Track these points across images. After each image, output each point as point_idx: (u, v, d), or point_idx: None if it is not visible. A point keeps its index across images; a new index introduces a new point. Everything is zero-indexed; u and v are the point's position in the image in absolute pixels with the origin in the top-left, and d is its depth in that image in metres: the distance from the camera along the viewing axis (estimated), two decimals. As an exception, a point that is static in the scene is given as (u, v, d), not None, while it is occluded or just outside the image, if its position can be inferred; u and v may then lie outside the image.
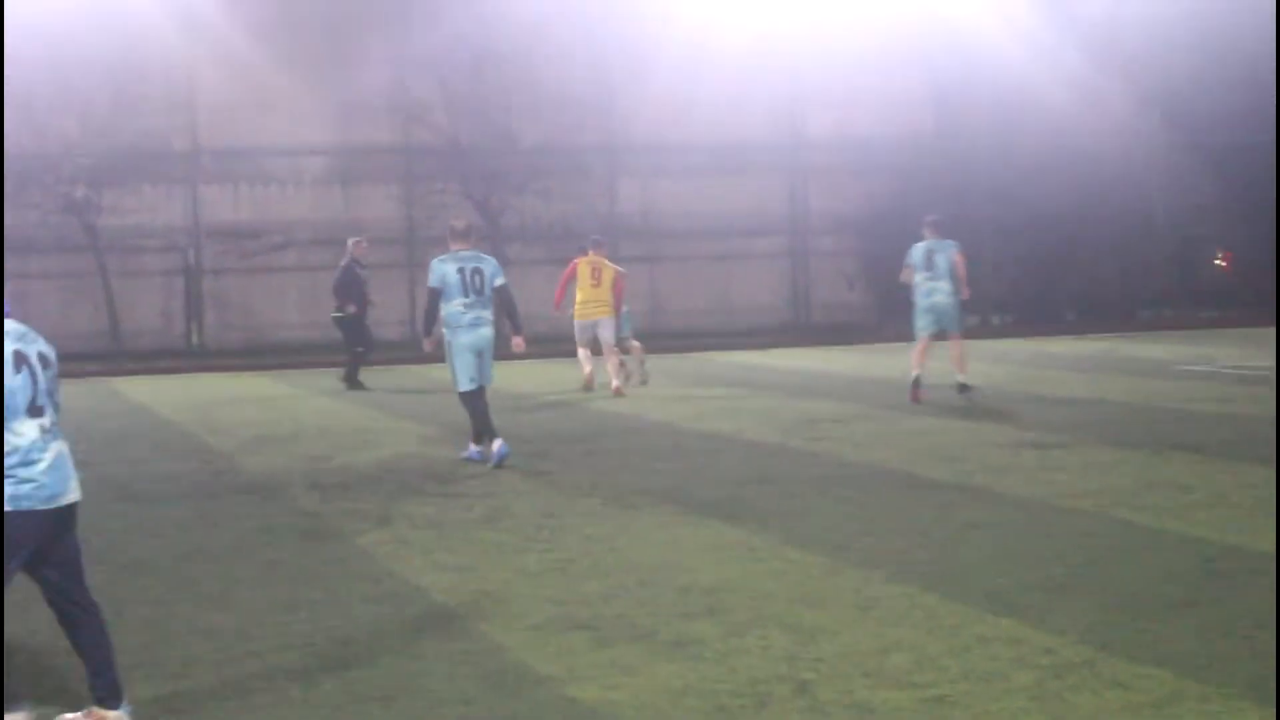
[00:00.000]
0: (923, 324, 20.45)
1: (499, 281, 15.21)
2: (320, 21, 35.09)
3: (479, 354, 15.11)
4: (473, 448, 15.34)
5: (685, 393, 22.67)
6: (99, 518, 12.46)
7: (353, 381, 24.80)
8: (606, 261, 23.34)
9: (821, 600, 8.82)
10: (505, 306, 15.54)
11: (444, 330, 15.14)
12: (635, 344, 24.25)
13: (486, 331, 15.15)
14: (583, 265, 23.02)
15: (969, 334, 22.48)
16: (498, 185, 35.22)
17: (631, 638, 8.09)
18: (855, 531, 10.94)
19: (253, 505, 13.01)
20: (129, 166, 33.79)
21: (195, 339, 35.86)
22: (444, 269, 15.07)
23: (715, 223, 37.44)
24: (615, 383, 22.04)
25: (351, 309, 25.08)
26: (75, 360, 31.36)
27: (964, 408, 19.19)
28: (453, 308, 15.01)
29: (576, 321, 23.05)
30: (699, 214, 37.18)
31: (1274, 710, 6.55)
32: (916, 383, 19.95)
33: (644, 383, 23.59)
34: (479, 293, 15.04)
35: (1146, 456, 14.35)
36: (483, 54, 34.73)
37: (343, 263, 25.80)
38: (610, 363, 22.49)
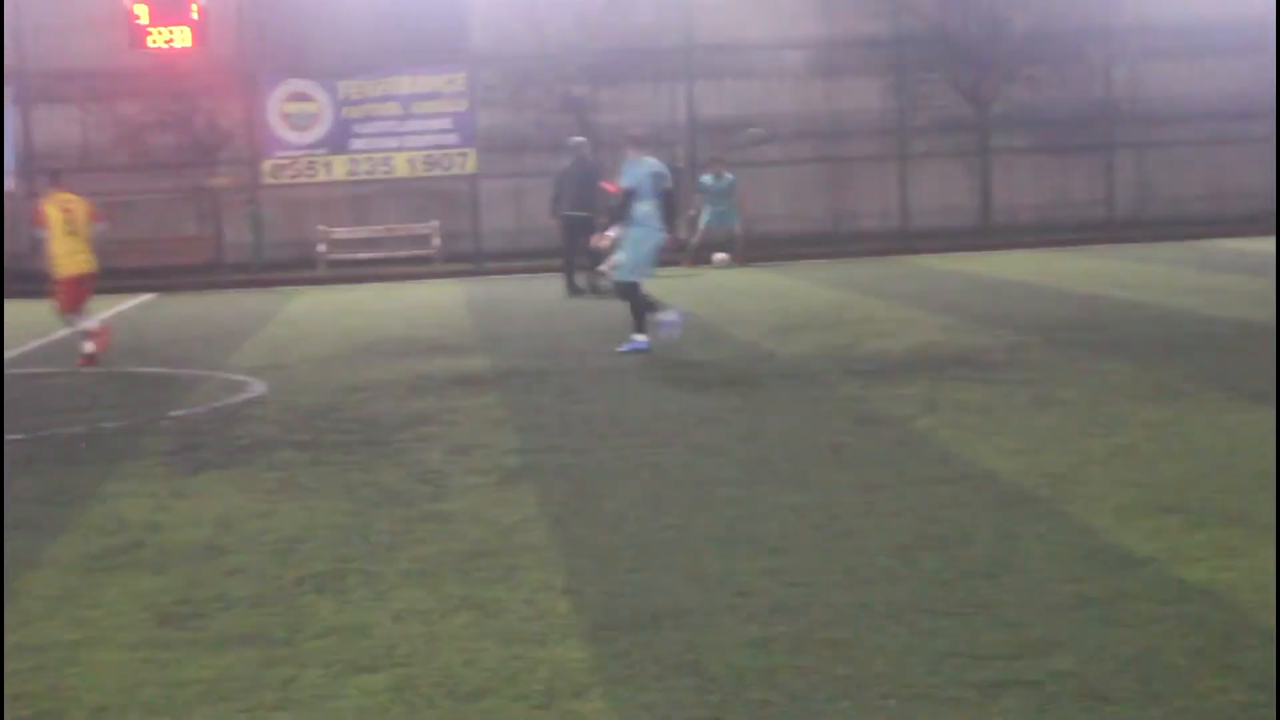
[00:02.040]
0: None
1: (668, 185, 16.88)
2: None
3: (658, 251, 17.00)
4: (637, 339, 16.40)
5: (1196, 280, 22.10)
6: (656, 401, 13.03)
7: (571, 286, 24.93)
8: None
9: None
10: (672, 208, 17.22)
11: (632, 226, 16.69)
12: None
13: (663, 235, 16.91)
14: None
15: None
16: (986, 73, 34.76)
17: (1224, 521, 7.99)
18: None
19: (798, 390, 13.31)
20: (623, 65, 34.66)
21: (682, 232, 36.53)
22: (638, 172, 16.71)
23: (1207, 106, 36.09)
24: None
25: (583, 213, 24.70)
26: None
27: None
28: (645, 208, 16.57)
29: None
30: (1190, 96, 35.89)
31: None
32: None
33: None
34: (658, 196, 16.70)
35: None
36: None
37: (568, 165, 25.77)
38: None
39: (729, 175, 30.84)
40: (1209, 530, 7.81)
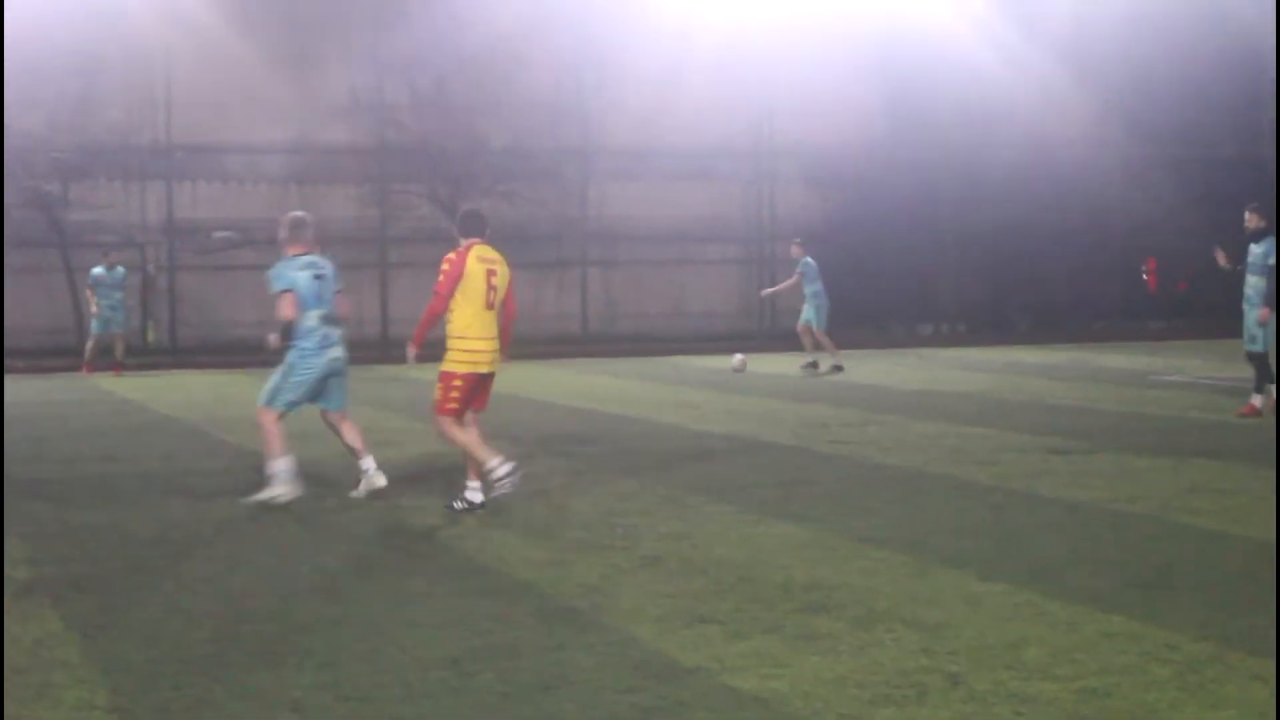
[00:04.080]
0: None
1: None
2: (291, 20, 35.10)
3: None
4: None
5: (676, 395, 22.94)
6: (163, 510, 12.63)
7: None
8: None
9: (927, 597, 9.07)
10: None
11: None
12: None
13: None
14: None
15: (930, 340, 22.91)
16: (465, 186, 35.37)
17: (759, 631, 8.31)
18: (922, 531, 11.23)
19: (315, 500, 13.12)
20: (96, 161, 33.71)
21: (151, 336, 35.66)
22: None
23: (676, 228, 37.73)
24: None
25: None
26: (30, 356, 31.35)
27: (968, 412, 19.55)
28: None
29: None
30: (660, 219, 37.45)
31: None
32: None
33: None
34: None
35: (1173, 463, 14.72)
36: (453, 57, 34.89)
37: None
38: None
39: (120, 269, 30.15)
40: (749, 640, 8.09)
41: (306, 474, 13.64)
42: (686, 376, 26.57)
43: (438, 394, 12.67)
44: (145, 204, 35.26)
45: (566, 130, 36.62)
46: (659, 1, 35.79)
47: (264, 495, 12.86)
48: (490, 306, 12.49)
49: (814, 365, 27.25)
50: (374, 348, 33.36)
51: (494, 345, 12.62)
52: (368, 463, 13.29)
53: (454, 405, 12.55)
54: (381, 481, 13.21)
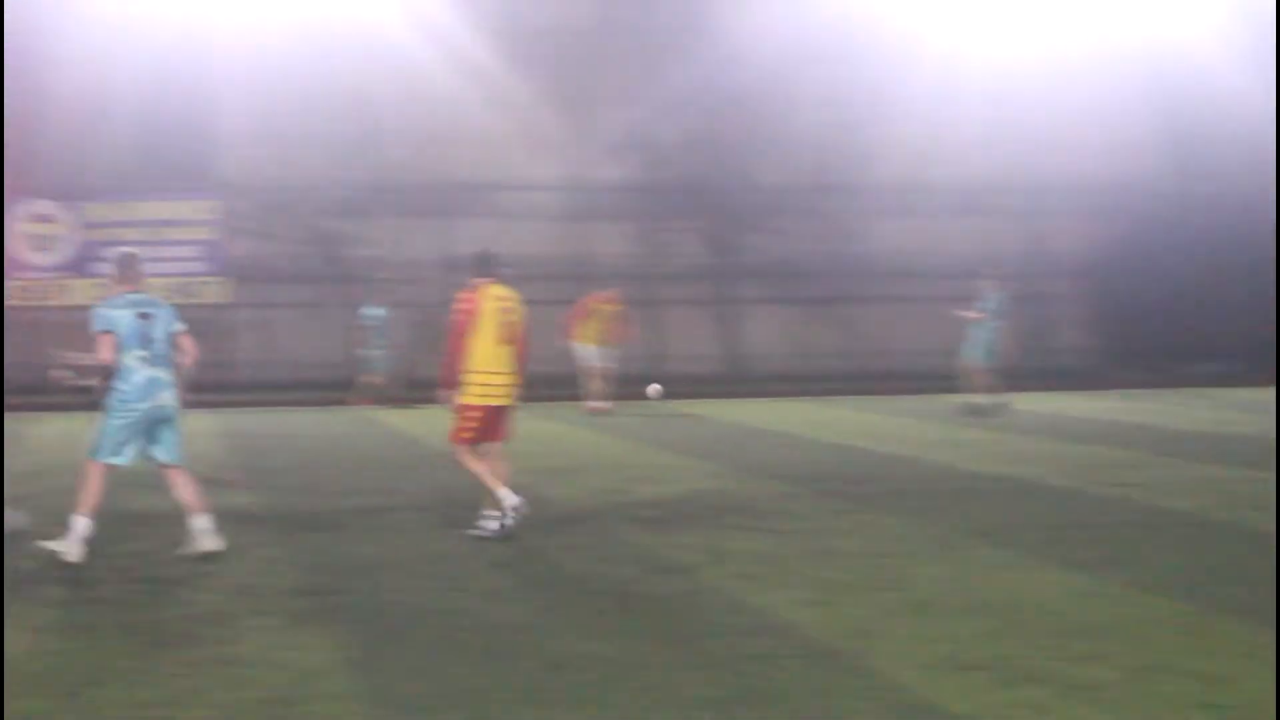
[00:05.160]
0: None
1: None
2: (566, 60, 35.57)
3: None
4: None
5: (948, 434, 22.61)
6: (438, 543, 12.79)
7: None
8: None
9: (1206, 648, 8.74)
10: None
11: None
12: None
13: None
14: None
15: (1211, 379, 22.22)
16: (732, 224, 35.43)
17: (1028, 679, 8.09)
18: (1202, 578, 10.83)
19: (579, 535, 13.20)
20: (376, 199, 34.58)
21: (432, 370, 36.20)
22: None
23: (947, 263, 37.24)
24: None
25: None
26: (315, 389, 32.13)
27: (1251, 456, 18.89)
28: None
29: None
30: (931, 254, 36.98)
31: None
32: None
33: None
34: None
35: None
36: (724, 94, 35.04)
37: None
38: None
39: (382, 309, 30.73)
40: (1017, 689, 7.89)
41: (553, 510, 13.74)
42: (959, 415, 26.14)
43: (454, 424, 13.33)
44: (423, 240, 35.93)
45: (835, 166, 36.40)
46: (928, 34, 35.42)
47: (53, 545, 11.75)
48: (504, 342, 13.14)
49: (994, 406, 26.48)
50: (644, 383, 33.50)
51: (509, 380, 13.26)
52: (200, 521, 12.31)
53: (468, 435, 13.27)
54: (211, 545, 12.15)
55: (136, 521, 14.02)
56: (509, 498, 12.92)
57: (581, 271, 35.93)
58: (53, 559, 11.64)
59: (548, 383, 29.54)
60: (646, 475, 17.64)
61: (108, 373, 12.09)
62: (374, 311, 30.09)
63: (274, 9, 33.39)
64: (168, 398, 12.37)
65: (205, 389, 31.40)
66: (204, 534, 12.23)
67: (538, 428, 24.58)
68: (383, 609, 10.08)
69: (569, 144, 35.51)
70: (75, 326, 33.05)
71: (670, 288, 36.47)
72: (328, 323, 34.82)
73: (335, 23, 33.33)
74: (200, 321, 33.07)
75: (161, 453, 12.49)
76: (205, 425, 25.48)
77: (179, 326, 12.53)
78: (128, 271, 12.53)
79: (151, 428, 12.34)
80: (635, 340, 30.94)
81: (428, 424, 25.26)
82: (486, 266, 13.46)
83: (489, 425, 13.30)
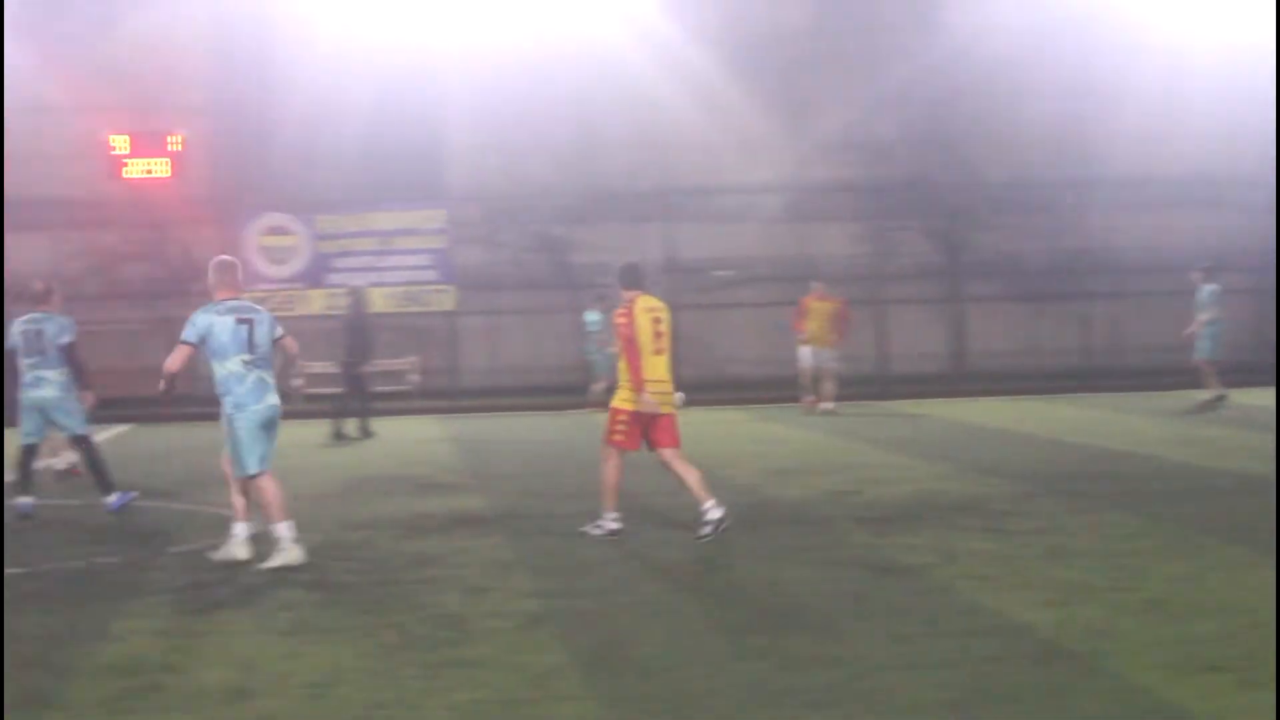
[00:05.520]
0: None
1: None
2: (784, 61, 35.52)
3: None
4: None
5: (1185, 431, 22.12)
6: (665, 546, 12.83)
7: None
8: None
9: None
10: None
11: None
12: None
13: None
14: None
15: None
16: (960, 221, 35.06)
17: (1273, 681, 7.87)
18: None
19: (806, 536, 13.16)
20: (600, 205, 34.88)
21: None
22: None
23: (1180, 257, 36.41)
24: None
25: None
26: (541, 394, 32.46)
27: None
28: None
29: None
30: (1164, 248, 36.16)
31: None
32: None
33: None
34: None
35: None
36: (946, 89, 34.69)
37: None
38: None
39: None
40: (1260, 691, 7.68)
41: (782, 512, 13.68)
42: (1192, 411, 25.55)
43: (606, 426, 13.60)
44: (645, 245, 36.07)
45: (1065, 160, 35.78)
46: (1157, 23, 34.65)
47: (276, 562, 12.12)
48: (659, 352, 13.35)
49: (1219, 399, 25.84)
50: (872, 384, 33.35)
51: (665, 387, 13.40)
52: (241, 529, 12.58)
53: (619, 438, 13.44)
54: (243, 554, 12.41)
55: (368, 527, 14.28)
56: (611, 518, 13.41)
57: (805, 273, 35.82)
58: (285, 570, 11.95)
59: (769, 385, 29.66)
60: (874, 476, 17.53)
61: (171, 380, 12.41)
62: (594, 317, 30.27)
63: (498, 24, 33.82)
64: (273, 400, 12.49)
65: (432, 395, 32.31)
66: (280, 545, 12.29)
67: (763, 429, 24.60)
68: (613, 611, 10.14)
69: (788, 146, 35.43)
70: (310, 337, 34.11)
71: (895, 287, 36.19)
72: (553, 328, 35.18)
73: (557, 35, 33.68)
74: (429, 329, 34.13)
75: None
76: (434, 430, 25.99)
77: (279, 331, 12.64)
78: (225, 278, 12.66)
79: (267, 429, 12.47)
80: (852, 340, 30.70)
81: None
82: (633, 279, 13.62)
83: (644, 430, 13.41)
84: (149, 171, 33.40)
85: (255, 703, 7.97)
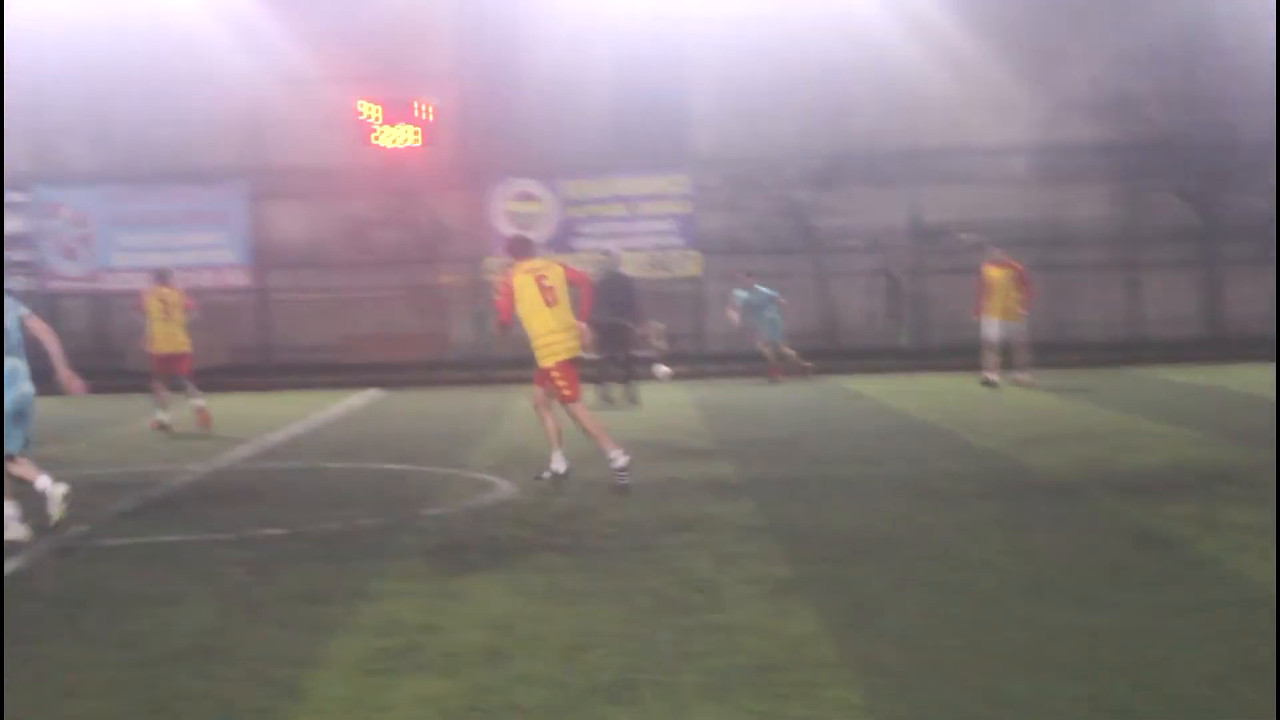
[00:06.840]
0: None
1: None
2: (1027, 16, 34.83)
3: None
4: None
5: None
6: (912, 513, 12.72)
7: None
8: None
9: None
10: None
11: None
12: None
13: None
14: None
15: None
16: (1216, 182, 34.11)
17: None
18: None
19: (1060, 505, 12.93)
20: (845, 168, 34.65)
21: (902, 337, 36.22)
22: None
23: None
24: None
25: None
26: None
27: None
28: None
29: None
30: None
31: None
32: None
33: None
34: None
35: None
36: (1204, 47, 33.75)
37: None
38: None
39: (764, 290, 29.77)
40: None
41: (1036, 480, 13.44)
42: None
43: (555, 390, 14.72)
44: (891, 208, 35.76)
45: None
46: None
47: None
48: (549, 304, 14.51)
49: None
50: (1124, 349, 32.70)
51: (568, 334, 14.59)
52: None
53: (568, 392, 14.66)
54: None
55: (609, 492, 14.36)
56: (620, 457, 14.52)
57: (1055, 235, 35.22)
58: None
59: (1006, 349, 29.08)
60: (1129, 444, 17.16)
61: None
62: (743, 294, 29.61)
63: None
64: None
65: (679, 360, 32.40)
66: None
67: (1012, 396, 24.28)
68: (867, 578, 10.06)
69: (1036, 104, 34.77)
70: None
71: (1149, 250, 35.37)
72: (797, 293, 35.02)
73: (798, -1, 33.54)
74: (673, 295, 34.21)
75: None
76: (681, 395, 26.08)
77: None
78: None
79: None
80: (1104, 306, 30.00)
81: (902, 393, 25.23)
82: (519, 249, 14.95)
83: (577, 376, 14.78)
84: (398, 140, 33.99)
85: (512, 665, 8.06)
